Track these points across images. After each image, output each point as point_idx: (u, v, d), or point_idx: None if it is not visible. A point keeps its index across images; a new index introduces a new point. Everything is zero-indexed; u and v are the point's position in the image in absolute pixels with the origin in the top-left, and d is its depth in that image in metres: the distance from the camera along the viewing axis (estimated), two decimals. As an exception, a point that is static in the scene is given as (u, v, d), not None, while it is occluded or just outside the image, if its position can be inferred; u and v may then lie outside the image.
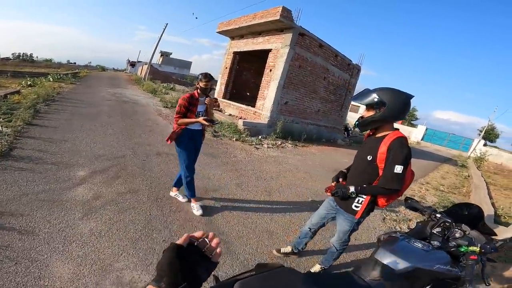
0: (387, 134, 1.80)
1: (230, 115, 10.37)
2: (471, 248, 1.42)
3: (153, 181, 3.62)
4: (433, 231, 1.61)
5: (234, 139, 7.20)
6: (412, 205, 1.83)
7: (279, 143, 8.14)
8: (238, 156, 5.86)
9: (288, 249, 2.64)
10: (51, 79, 13.54)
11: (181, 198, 3.25)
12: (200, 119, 2.69)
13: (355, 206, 1.98)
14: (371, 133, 1.98)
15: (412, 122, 37.13)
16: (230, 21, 11.22)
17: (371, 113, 1.81)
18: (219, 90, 12.81)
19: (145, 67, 24.78)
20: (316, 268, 2.43)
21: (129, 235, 2.41)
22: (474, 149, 19.72)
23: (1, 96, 6.69)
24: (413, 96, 1.76)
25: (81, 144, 4.52)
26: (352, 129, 2.26)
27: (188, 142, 2.87)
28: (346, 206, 2.03)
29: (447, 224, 1.58)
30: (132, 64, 48.30)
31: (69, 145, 4.36)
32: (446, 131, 25.38)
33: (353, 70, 12.16)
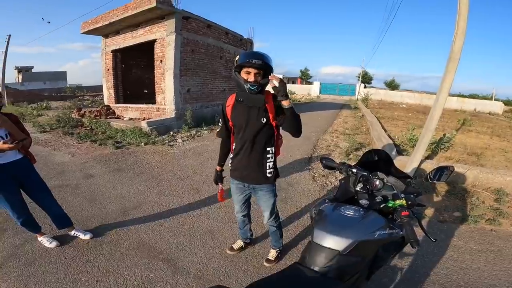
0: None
1: (130, 119, 9.11)
2: (397, 202, 1.36)
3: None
4: (356, 188, 1.55)
5: (143, 144, 6.31)
6: (327, 164, 1.78)
7: (194, 132, 7.64)
8: (151, 161, 5.13)
9: (240, 243, 2.47)
10: None
11: (82, 236, 2.59)
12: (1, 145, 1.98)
13: (269, 173, 1.92)
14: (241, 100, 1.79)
15: (308, 80, 41.58)
16: (97, 18, 9.53)
17: (265, 78, 1.69)
18: (108, 95, 11.04)
19: (-1, 90, 19.16)
20: (272, 254, 2.33)
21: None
22: (358, 92, 23.46)
23: None
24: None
25: None
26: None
27: (1, 182, 2.13)
28: (260, 179, 1.93)
29: (365, 177, 1.52)
30: None
31: None
32: (334, 82, 29.42)
33: (246, 44, 12.34)
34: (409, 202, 1.34)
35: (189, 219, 2.98)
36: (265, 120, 1.76)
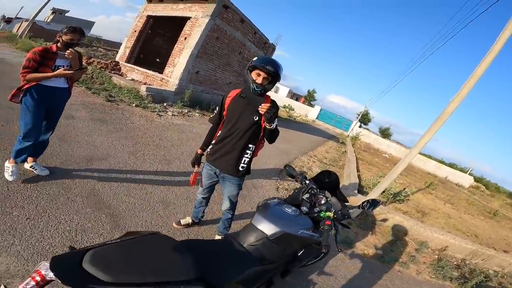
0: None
1: (132, 80, 9.14)
2: (327, 213, 1.66)
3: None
4: (303, 197, 1.82)
5: (134, 105, 6.38)
6: (289, 171, 2.08)
7: (186, 111, 7.76)
8: (136, 122, 5.24)
9: (188, 220, 2.60)
10: None
11: (39, 171, 2.58)
12: (59, 71, 2.25)
13: (242, 167, 2.09)
14: (244, 96, 2.01)
15: (311, 102, 42.21)
16: None
17: (271, 84, 1.92)
18: (122, 53, 11.06)
19: (26, 24, 19.18)
20: (218, 239, 2.45)
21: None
22: (352, 129, 24.07)
23: None
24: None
25: None
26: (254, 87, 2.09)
27: (37, 101, 2.29)
28: (232, 170, 2.09)
29: (314, 190, 1.83)
30: (8, 21, 37.24)
31: None
32: (334, 113, 29.85)
33: (268, 49, 12.50)
34: (335, 216, 1.65)
35: (149, 185, 3.11)
36: (257, 118, 1.93)
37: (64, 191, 2.49)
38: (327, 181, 1.99)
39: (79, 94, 5.90)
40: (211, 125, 2.23)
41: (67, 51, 2.27)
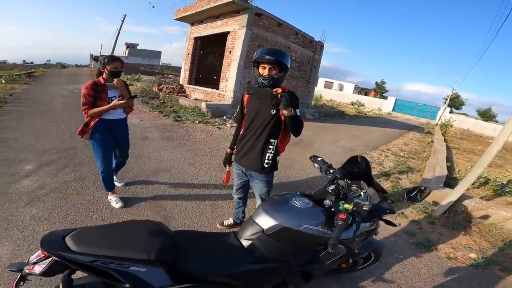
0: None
1: (195, 99, 10.15)
2: (345, 205, 1.35)
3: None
4: (328, 189, 1.55)
5: (197, 121, 7.05)
6: (314, 161, 1.82)
7: (245, 121, 8.08)
8: (197, 137, 5.75)
9: (230, 221, 2.66)
10: (3, 81, 12.51)
11: (117, 183, 3.02)
12: (114, 102, 2.44)
13: (266, 164, 1.99)
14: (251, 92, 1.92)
15: (383, 94, 38.23)
16: (187, 7, 10.93)
17: (280, 73, 1.83)
18: (184, 76, 12.52)
19: (109, 60, 23.90)
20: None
21: (69, 218, 2.45)
22: (441, 116, 20.58)
23: None
24: None
25: (31, 140, 4.38)
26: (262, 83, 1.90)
27: (104, 135, 2.52)
28: (256, 167, 2.01)
29: (342, 181, 1.53)
30: (96, 59, 47.12)
31: (18, 143, 4.22)
32: (415, 101, 26.19)
33: (316, 47, 12.17)
34: (355, 209, 1.34)
35: (202, 190, 3.35)
36: (274, 111, 1.85)
37: (134, 198, 2.95)
38: (357, 170, 1.68)
39: (153, 118, 6.88)
40: None
41: (115, 80, 2.46)
